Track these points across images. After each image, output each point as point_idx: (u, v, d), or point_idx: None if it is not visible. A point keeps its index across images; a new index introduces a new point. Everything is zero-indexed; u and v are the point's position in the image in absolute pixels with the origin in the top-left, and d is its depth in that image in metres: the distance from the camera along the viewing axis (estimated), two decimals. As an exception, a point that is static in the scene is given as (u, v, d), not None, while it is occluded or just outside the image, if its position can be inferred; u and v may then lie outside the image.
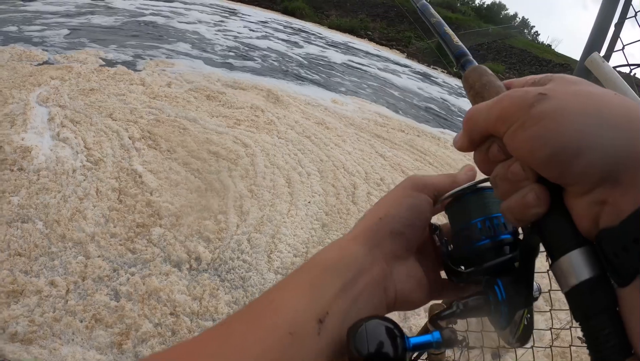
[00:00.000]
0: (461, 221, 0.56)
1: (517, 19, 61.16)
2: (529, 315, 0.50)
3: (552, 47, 47.32)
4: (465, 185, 0.58)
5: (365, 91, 14.19)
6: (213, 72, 11.45)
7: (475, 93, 0.53)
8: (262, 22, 25.25)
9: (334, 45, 23.54)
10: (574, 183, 0.39)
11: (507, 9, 61.45)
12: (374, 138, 9.55)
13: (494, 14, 57.37)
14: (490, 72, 0.54)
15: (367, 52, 24.66)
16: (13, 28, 11.99)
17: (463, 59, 0.60)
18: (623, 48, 1.68)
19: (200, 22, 19.42)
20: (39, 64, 9.45)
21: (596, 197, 0.38)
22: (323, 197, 6.23)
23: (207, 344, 0.43)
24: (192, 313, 3.94)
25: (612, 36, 1.67)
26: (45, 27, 12.62)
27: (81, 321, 3.69)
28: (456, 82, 22.33)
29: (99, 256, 4.34)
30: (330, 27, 34.83)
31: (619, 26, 1.65)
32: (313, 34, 25.53)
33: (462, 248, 0.55)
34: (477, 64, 0.58)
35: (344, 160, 7.66)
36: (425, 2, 0.78)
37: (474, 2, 61.21)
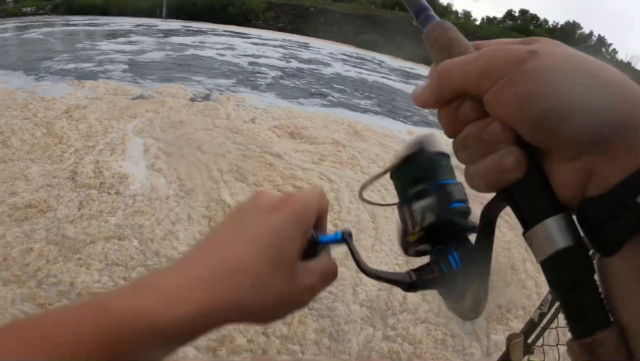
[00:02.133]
0: (421, 183, 0.53)
1: (593, 37, 59.37)
2: (485, 285, 0.48)
3: (632, 65, 45.61)
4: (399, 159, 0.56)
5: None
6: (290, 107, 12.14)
7: (442, 47, 0.50)
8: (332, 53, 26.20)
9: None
10: (560, 147, 0.39)
11: (582, 28, 59.84)
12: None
13: (569, 34, 55.85)
14: (456, 29, 0.51)
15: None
16: (84, 65, 13.86)
17: (423, 14, 0.55)
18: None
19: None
20: (134, 98, 10.69)
21: (583, 164, 0.38)
22: (408, 233, 6.32)
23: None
24: (281, 336, 4.23)
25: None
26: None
27: None
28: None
29: None
30: (406, 58, 35.20)
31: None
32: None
33: (431, 212, 0.51)
34: (440, 19, 0.54)
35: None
36: None
37: (547, 23, 60.38)
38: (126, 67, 14.36)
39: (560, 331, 2.49)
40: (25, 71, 12.35)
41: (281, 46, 27.12)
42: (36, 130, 7.94)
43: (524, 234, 0.42)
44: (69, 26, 25.34)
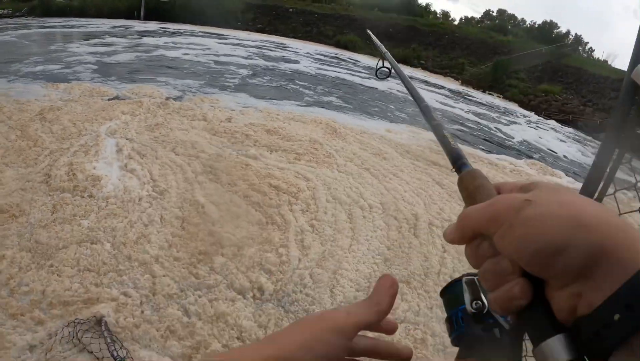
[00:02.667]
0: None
1: (570, 36, 60.17)
2: None
3: (609, 63, 46.36)
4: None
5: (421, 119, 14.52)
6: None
7: (469, 195, 0.60)
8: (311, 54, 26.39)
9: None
10: (554, 277, 0.46)
11: (559, 27, 60.55)
12: (430, 166, 9.79)
13: (546, 33, 56.42)
14: (483, 175, 0.61)
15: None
16: (53, 66, 13.81)
17: (459, 162, 0.68)
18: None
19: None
20: (110, 99, 10.65)
21: (573, 290, 0.44)
22: (385, 231, 6.38)
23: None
24: (257, 340, 4.13)
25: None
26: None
27: (157, 330, 4.09)
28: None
29: (164, 275, 4.72)
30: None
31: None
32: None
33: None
34: (471, 167, 0.65)
35: (402, 191, 7.84)
36: (427, 104, 0.90)
37: (524, 23, 61.11)
38: (95, 67, 14.37)
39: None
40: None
41: (257, 47, 27.22)
42: (10, 133, 7.80)
43: (532, 351, 0.47)
44: (45, 28, 25.06)
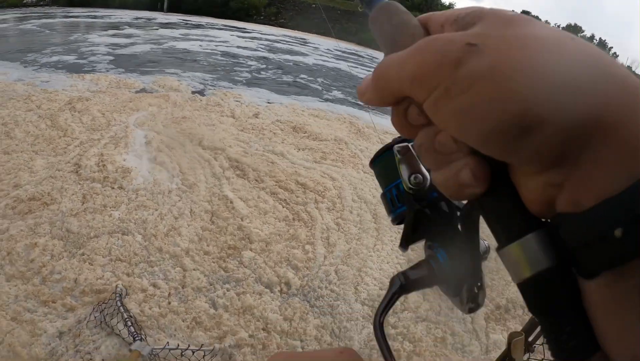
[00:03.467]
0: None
1: (595, 40, 59.65)
2: (479, 283, 0.44)
3: (632, 69, 45.93)
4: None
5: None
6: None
7: (387, 39, 0.44)
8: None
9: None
10: (519, 163, 0.33)
11: (583, 31, 60.21)
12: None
13: None
14: (403, 9, 0.45)
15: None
16: (68, 57, 14.03)
17: None
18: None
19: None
20: (137, 92, 10.87)
21: (551, 179, 0.32)
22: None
23: None
24: (282, 332, 4.28)
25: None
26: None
27: (183, 321, 4.19)
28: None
29: (194, 269, 4.81)
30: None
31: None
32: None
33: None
34: (386, 0, 0.46)
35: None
36: None
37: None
38: (111, 58, 14.50)
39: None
40: (21, 62, 12.42)
41: (277, 40, 27.34)
42: (40, 122, 7.95)
43: (497, 250, 0.37)
44: (68, 18, 25.32)
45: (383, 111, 13.72)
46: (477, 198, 0.37)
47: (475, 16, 0.36)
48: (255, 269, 4.95)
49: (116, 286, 4.27)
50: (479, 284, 0.44)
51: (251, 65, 17.35)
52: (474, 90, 0.31)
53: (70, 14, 27.31)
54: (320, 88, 15.18)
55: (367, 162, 6.79)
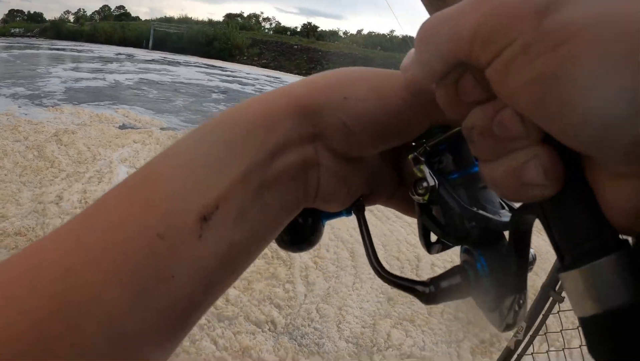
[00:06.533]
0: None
1: None
2: (521, 300, 0.38)
3: None
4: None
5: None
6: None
7: None
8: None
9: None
10: (613, 159, 0.24)
11: None
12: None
13: None
14: None
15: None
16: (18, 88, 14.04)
17: None
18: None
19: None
20: (120, 127, 10.92)
21: None
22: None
23: (63, 239, 0.32)
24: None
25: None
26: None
27: None
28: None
29: None
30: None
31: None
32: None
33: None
34: None
35: (405, 234, 7.92)
36: None
37: None
38: (64, 90, 14.65)
39: (536, 357, 2.61)
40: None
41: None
42: (28, 153, 7.93)
43: (559, 271, 0.29)
44: (51, 50, 25.41)
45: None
46: (542, 201, 0.28)
47: None
48: (242, 308, 4.94)
49: None
50: (521, 300, 0.38)
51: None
52: (566, 48, 0.22)
53: (55, 47, 27.37)
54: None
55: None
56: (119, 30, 36.70)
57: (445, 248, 0.45)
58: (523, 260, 0.36)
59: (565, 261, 0.28)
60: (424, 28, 0.29)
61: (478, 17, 0.25)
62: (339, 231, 7.28)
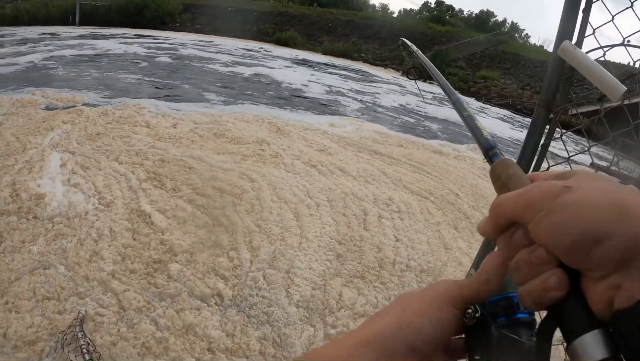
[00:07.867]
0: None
1: (507, 24, 62.64)
2: None
3: (545, 48, 48.40)
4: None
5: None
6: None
7: (502, 184, 0.59)
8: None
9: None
10: (592, 268, 0.43)
11: (495, 16, 62.97)
12: (373, 156, 10.06)
13: (483, 22, 59.09)
14: (516, 164, 0.61)
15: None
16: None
17: (491, 151, 0.69)
18: (594, 32, 1.82)
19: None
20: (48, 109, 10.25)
21: (612, 282, 0.42)
22: (334, 227, 6.37)
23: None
24: (226, 350, 4.11)
25: (581, 23, 1.79)
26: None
27: (134, 348, 3.95)
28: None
29: (125, 291, 4.53)
30: (324, 52, 35.90)
31: (587, 12, 1.77)
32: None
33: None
34: (503, 156, 0.65)
35: (350, 186, 7.89)
36: (458, 96, 0.91)
37: (462, 13, 63.67)
38: None
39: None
40: None
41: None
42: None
43: (565, 349, 0.45)
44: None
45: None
46: (555, 304, 0.46)
47: (570, 173, 0.51)
48: (186, 282, 4.74)
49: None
50: None
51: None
52: (565, 212, 0.44)
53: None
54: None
55: (289, 160, 6.69)
56: (42, 8, 34.53)
57: None
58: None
59: (569, 340, 0.44)
60: (497, 203, 0.52)
61: (527, 197, 0.48)
62: (282, 191, 7.14)
